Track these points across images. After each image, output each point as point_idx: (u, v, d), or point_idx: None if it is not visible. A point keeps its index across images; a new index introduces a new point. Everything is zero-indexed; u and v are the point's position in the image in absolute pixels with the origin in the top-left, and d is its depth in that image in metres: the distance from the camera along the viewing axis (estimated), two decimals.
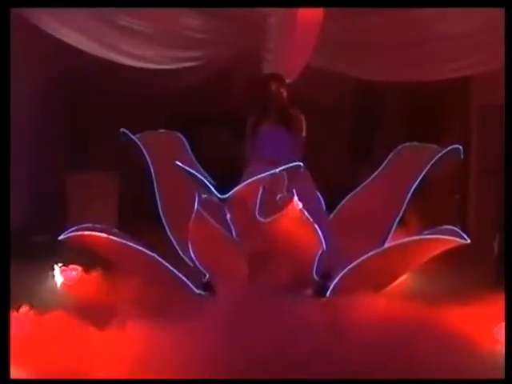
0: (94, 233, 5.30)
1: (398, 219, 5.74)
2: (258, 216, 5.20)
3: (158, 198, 5.95)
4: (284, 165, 5.28)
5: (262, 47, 6.43)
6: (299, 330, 4.49)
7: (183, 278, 5.35)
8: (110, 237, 5.30)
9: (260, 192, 5.21)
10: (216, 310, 4.91)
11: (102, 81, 7.44)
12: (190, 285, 5.36)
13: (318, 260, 5.28)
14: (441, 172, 6.33)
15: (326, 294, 5.31)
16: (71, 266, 6.28)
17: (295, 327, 4.51)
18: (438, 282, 5.95)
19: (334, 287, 5.29)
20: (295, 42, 6.22)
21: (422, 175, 5.75)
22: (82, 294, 5.86)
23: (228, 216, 5.29)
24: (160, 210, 5.92)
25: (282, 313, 4.59)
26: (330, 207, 6.04)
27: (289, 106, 5.80)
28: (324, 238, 5.20)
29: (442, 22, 6.13)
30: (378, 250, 5.35)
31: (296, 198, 5.01)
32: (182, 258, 5.70)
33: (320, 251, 5.22)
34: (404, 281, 5.79)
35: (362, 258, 5.21)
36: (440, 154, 5.76)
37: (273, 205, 5.22)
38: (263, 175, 5.09)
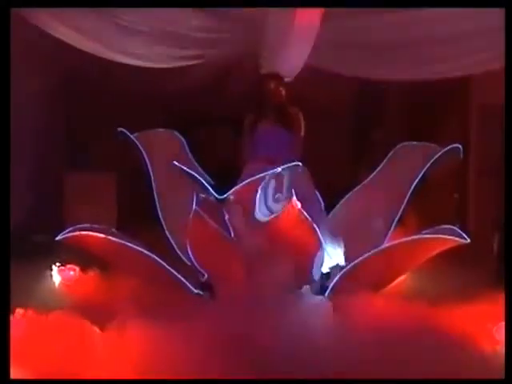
0: (91, 233, 5.29)
1: (397, 218, 5.72)
2: (256, 216, 5.19)
3: (155, 197, 5.93)
4: (282, 164, 5.28)
5: (261, 46, 6.42)
6: (298, 329, 4.49)
7: (181, 277, 5.34)
8: (108, 237, 5.29)
9: (258, 192, 5.19)
10: (214, 310, 4.94)
11: (100, 80, 7.43)
12: (188, 285, 5.35)
13: (317, 259, 5.26)
14: (440, 171, 6.31)
15: (324, 293, 5.28)
16: (69, 266, 6.27)
17: (294, 327, 4.51)
18: (436, 282, 5.94)
19: (332, 287, 5.27)
20: (294, 41, 6.21)
21: (421, 174, 5.73)
22: (80, 294, 5.84)
23: (226, 216, 5.27)
24: (158, 210, 5.91)
25: (281, 312, 4.59)
26: (329, 206, 6.02)
27: (287, 104, 5.79)
28: (323, 237, 5.18)
29: (442, 22, 6.12)
30: (377, 249, 5.33)
31: (295, 197, 4.99)
32: (181, 258, 5.68)
33: (319, 251, 5.20)
34: (403, 280, 5.78)
35: (361, 257, 5.20)
36: (439, 154, 5.75)
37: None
38: (261, 175, 5.08)
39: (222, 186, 5.56)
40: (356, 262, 5.22)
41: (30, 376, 3.98)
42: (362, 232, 5.63)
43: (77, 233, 5.29)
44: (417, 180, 5.74)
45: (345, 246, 5.47)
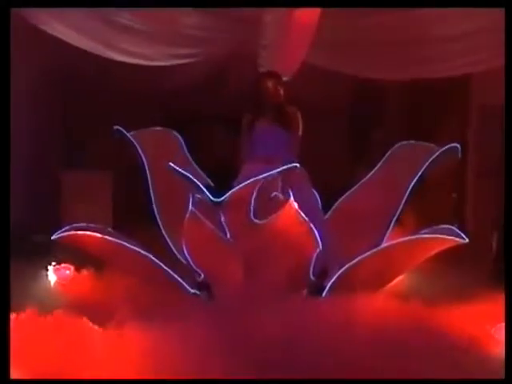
0: (87, 232, 5.26)
1: (395, 218, 5.69)
2: (253, 218, 5.16)
3: (152, 196, 5.90)
4: (280, 163, 5.25)
5: (259, 45, 6.42)
6: (295, 329, 4.45)
7: (177, 277, 5.31)
8: (104, 236, 5.26)
9: (255, 193, 5.16)
10: (211, 310, 4.91)
11: (96, 79, 7.45)
12: (185, 284, 5.32)
13: (315, 260, 5.24)
14: (438, 171, 6.29)
15: (322, 293, 5.26)
16: (64, 265, 6.24)
17: (291, 327, 4.47)
18: (435, 282, 5.95)
19: (330, 287, 5.25)
20: (292, 40, 6.22)
21: (419, 174, 5.71)
22: (76, 294, 5.82)
23: (222, 218, 5.25)
24: (155, 209, 5.88)
25: (279, 313, 4.56)
26: (327, 206, 5.99)
27: (285, 103, 5.75)
28: (320, 237, 5.16)
29: (442, 22, 6.12)
30: (376, 249, 5.31)
31: (292, 198, 4.96)
32: (177, 257, 5.66)
33: (316, 251, 5.18)
34: (401, 280, 5.77)
35: (359, 257, 5.18)
36: (437, 153, 5.72)
37: (268, 205, 5.18)
38: (259, 177, 5.05)
39: (219, 185, 5.53)
40: (354, 261, 5.18)
41: (28, 376, 3.95)
42: (359, 232, 5.59)
43: (72, 232, 5.26)
44: (415, 179, 5.71)
45: (343, 246, 5.43)
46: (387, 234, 5.62)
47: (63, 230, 5.29)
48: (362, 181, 6.17)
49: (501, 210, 5.15)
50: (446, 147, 5.73)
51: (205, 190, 5.05)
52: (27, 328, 4.36)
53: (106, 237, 5.26)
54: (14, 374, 3.85)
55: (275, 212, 5.06)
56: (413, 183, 5.71)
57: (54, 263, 6.27)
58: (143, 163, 5.91)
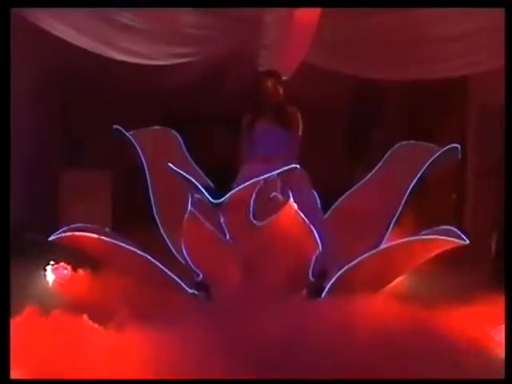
0: (84, 233, 5.25)
1: (395, 219, 5.68)
2: (252, 219, 5.15)
3: (151, 196, 5.89)
4: (279, 163, 5.25)
5: (258, 44, 6.41)
6: (294, 330, 4.45)
7: (176, 277, 5.30)
8: (101, 237, 5.25)
9: (254, 194, 5.15)
10: (209, 310, 4.89)
11: (96, 78, 7.43)
12: (183, 285, 5.31)
13: (314, 261, 5.22)
14: (438, 171, 6.28)
15: (321, 294, 5.25)
16: (62, 264, 6.22)
17: (290, 328, 4.46)
18: (434, 283, 5.92)
19: (330, 288, 5.23)
20: (292, 40, 6.22)
21: (419, 174, 5.69)
22: (73, 293, 5.80)
23: (222, 220, 5.23)
24: (154, 209, 5.86)
25: (278, 314, 4.55)
26: (326, 206, 5.98)
27: (285, 103, 5.74)
28: (320, 238, 5.15)
29: (442, 22, 6.12)
30: (375, 250, 5.30)
31: (291, 199, 4.95)
32: (176, 257, 5.65)
33: (316, 252, 5.16)
34: (401, 282, 5.75)
35: (359, 258, 5.17)
36: (438, 153, 5.71)
37: (267, 205, 5.17)
38: (258, 178, 5.04)
39: (218, 185, 5.52)
40: (354, 263, 5.17)
41: (26, 376, 3.93)
42: (359, 232, 5.58)
43: (70, 233, 5.25)
44: (415, 180, 5.70)
45: (342, 247, 5.42)
46: (387, 235, 5.61)
47: (60, 231, 5.28)
48: (362, 181, 6.16)
49: (500, 211, 5.14)
50: (447, 148, 5.73)
51: (204, 191, 5.04)
52: (25, 327, 4.35)
53: (104, 237, 5.25)
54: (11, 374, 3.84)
55: (275, 213, 5.06)
56: (413, 184, 5.70)
57: (52, 262, 6.25)
58: (142, 163, 5.90)
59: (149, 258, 5.26)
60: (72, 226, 5.31)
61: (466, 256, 5.68)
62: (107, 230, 5.60)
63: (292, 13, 6.03)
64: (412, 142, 6.10)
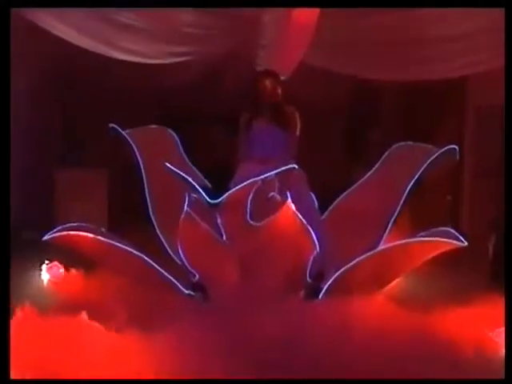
0: (79, 233, 5.22)
1: (392, 220, 5.66)
2: (249, 220, 5.13)
3: (147, 195, 5.86)
4: (277, 163, 5.24)
5: (257, 44, 6.41)
6: (292, 331, 4.43)
7: (172, 278, 5.28)
8: (97, 237, 5.22)
9: (251, 194, 5.13)
10: (206, 311, 4.89)
11: (95, 78, 7.42)
12: (179, 285, 5.29)
13: (312, 262, 5.20)
14: (435, 172, 6.27)
15: (319, 295, 5.24)
16: (55, 263, 6.20)
17: (288, 329, 4.45)
18: (432, 284, 5.91)
19: (327, 289, 5.22)
20: (290, 40, 6.22)
21: (417, 175, 5.68)
22: (68, 292, 5.79)
23: (219, 220, 5.21)
24: (150, 208, 5.83)
25: (275, 315, 4.54)
26: (324, 207, 5.97)
27: (283, 103, 5.72)
28: (317, 239, 5.13)
29: (442, 22, 6.12)
30: (373, 251, 5.28)
31: (289, 199, 4.92)
32: (172, 257, 5.63)
33: (314, 253, 5.14)
34: (398, 283, 5.73)
35: (357, 259, 5.16)
36: (436, 155, 5.70)
37: (265, 206, 5.15)
38: (256, 179, 5.02)
39: (215, 185, 5.50)
40: (351, 264, 5.16)
41: (21, 376, 3.90)
42: (356, 233, 5.56)
43: (64, 233, 5.23)
44: (413, 181, 5.68)
45: (339, 248, 5.40)
46: (384, 236, 5.60)
47: (55, 230, 5.25)
48: (360, 181, 6.15)
49: (499, 212, 5.13)
50: (445, 149, 5.72)
51: (201, 191, 5.02)
52: (20, 326, 4.32)
53: (99, 237, 5.23)
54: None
55: (272, 213, 5.05)
56: (411, 185, 5.68)
57: (46, 262, 6.22)
58: (138, 162, 5.87)
59: (145, 258, 5.24)
60: (66, 225, 5.29)
61: (463, 257, 5.66)
62: (103, 229, 5.56)
63: (290, 13, 6.03)
64: (410, 143, 6.09)
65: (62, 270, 6.20)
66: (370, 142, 8.60)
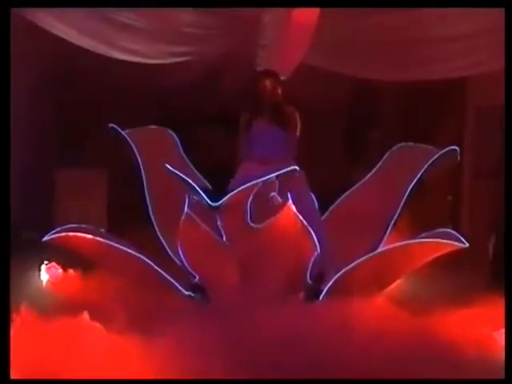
0: (78, 234, 5.21)
1: (393, 221, 5.65)
2: (250, 222, 5.12)
3: (147, 196, 5.85)
4: (277, 163, 5.24)
5: (257, 44, 6.41)
6: (292, 333, 4.42)
7: (171, 279, 5.27)
8: (96, 238, 5.21)
9: (251, 196, 5.12)
10: (206, 313, 4.88)
11: (94, 78, 7.41)
12: (179, 287, 5.28)
13: (312, 263, 5.19)
14: (435, 173, 6.26)
15: (319, 297, 5.23)
16: (53, 263, 6.18)
17: (288, 331, 4.44)
18: (432, 285, 5.90)
19: (327, 290, 5.21)
20: (290, 40, 6.22)
21: (418, 176, 5.67)
22: (68, 293, 5.79)
23: (219, 222, 5.20)
24: (149, 209, 5.82)
25: (275, 316, 4.53)
26: (324, 208, 5.95)
27: (283, 103, 5.71)
28: (318, 240, 5.11)
29: (442, 22, 6.12)
30: (373, 253, 5.28)
31: (290, 201, 4.91)
32: (172, 258, 5.62)
33: (314, 255, 5.13)
34: (399, 284, 5.72)
35: (357, 260, 5.14)
36: (437, 155, 5.69)
37: (265, 207, 5.14)
38: (256, 181, 5.01)
39: (215, 186, 5.49)
40: (352, 265, 5.15)
41: (19, 376, 3.89)
42: (357, 234, 5.55)
43: (63, 234, 5.22)
44: (414, 182, 5.67)
45: (340, 249, 5.39)
46: (385, 237, 5.59)
47: (55, 231, 5.25)
48: (360, 182, 6.14)
49: (499, 212, 5.13)
50: (446, 149, 5.71)
51: (202, 193, 5.00)
52: (19, 327, 4.31)
53: (98, 238, 5.22)
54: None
55: (273, 214, 5.04)
56: (411, 185, 5.67)
57: (45, 262, 6.21)
58: (138, 162, 5.86)
59: (144, 259, 5.23)
60: (66, 226, 5.28)
61: (463, 258, 5.65)
62: (102, 230, 5.55)
63: (290, 13, 6.03)
64: (410, 143, 6.08)
65: (60, 270, 6.19)
66: (369, 142, 8.59)
